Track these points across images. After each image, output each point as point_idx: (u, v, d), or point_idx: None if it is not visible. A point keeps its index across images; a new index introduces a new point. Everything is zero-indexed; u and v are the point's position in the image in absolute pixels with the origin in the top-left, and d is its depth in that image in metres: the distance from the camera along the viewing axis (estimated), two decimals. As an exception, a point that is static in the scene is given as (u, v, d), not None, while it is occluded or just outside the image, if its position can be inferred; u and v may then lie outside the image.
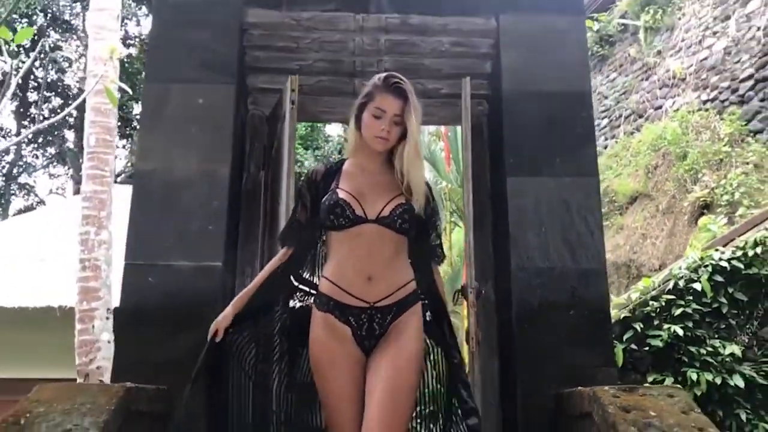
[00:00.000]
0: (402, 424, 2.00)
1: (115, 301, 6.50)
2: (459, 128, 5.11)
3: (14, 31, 3.74)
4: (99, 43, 6.44)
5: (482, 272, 3.39)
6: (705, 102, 9.65)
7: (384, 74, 2.18)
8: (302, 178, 2.26)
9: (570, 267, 3.03)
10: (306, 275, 2.28)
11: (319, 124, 16.08)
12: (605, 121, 12.24)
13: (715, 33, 9.91)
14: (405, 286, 2.13)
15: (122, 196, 7.00)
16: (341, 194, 2.10)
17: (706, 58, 9.92)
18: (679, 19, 10.90)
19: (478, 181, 3.50)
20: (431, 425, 2.29)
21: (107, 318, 5.95)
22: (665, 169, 9.43)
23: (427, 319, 2.25)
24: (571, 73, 3.27)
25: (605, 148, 12.05)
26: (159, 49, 3.26)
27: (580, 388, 2.57)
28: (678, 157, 9.15)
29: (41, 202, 23.33)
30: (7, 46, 4.06)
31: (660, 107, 10.72)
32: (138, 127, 3.97)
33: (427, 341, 2.26)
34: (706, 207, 8.32)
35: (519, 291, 3.03)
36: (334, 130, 18.50)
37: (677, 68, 10.43)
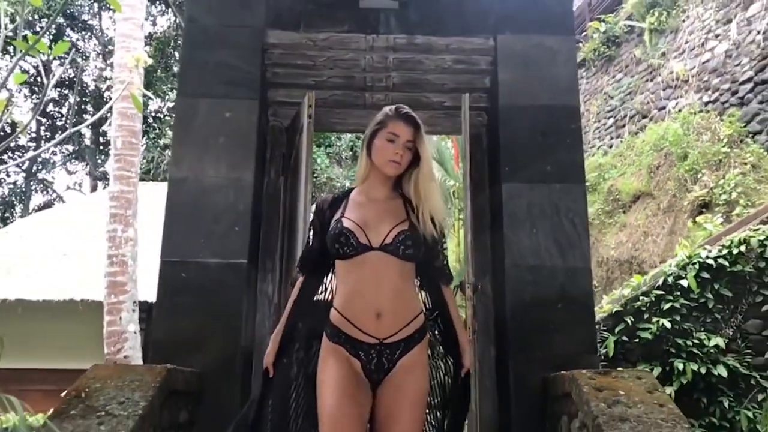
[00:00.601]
0: None
1: (141, 295, 6.91)
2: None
3: (35, 31, 4.10)
4: (124, 52, 6.83)
5: (481, 269, 3.74)
6: (706, 103, 9.91)
7: (395, 105, 2.26)
8: (313, 207, 2.32)
9: (558, 265, 3.37)
10: (321, 302, 2.30)
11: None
12: (611, 120, 12.50)
13: (717, 36, 10.15)
14: (412, 322, 2.15)
15: (142, 192, 7.39)
16: (346, 223, 2.14)
17: (708, 61, 10.16)
18: (683, 21, 11.14)
19: (477, 186, 3.85)
20: None
21: (133, 310, 6.36)
22: (667, 168, 9.70)
23: (437, 334, 2.31)
24: (562, 88, 3.59)
25: (610, 147, 12.32)
26: (189, 67, 3.62)
27: (562, 372, 2.91)
28: (679, 157, 9.42)
29: (59, 197, 23.87)
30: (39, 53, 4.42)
31: (663, 108, 10.98)
32: (171, 137, 4.32)
33: (436, 356, 2.32)
34: (704, 206, 8.60)
35: (512, 286, 3.37)
36: (345, 127, 18.83)
37: (680, 70, 10.68)
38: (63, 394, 2.49)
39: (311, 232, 2.31)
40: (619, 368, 3.14)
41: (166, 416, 2.71)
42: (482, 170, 3.88)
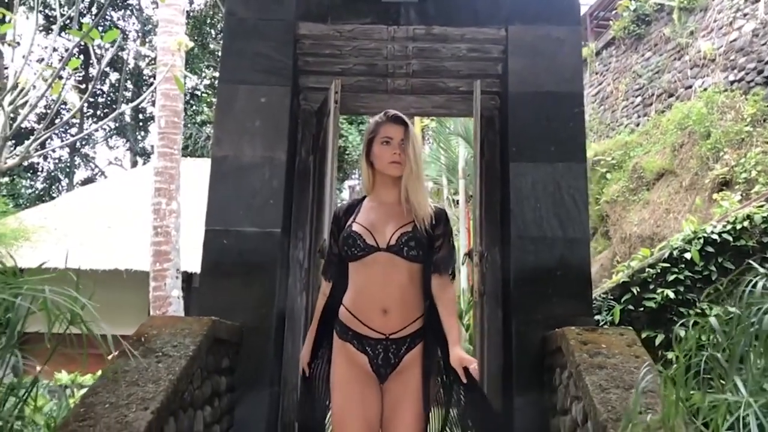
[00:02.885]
0: None
1: (184, 263, 7.45)
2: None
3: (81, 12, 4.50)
4: (167, 36, 7.30)
5: (491, 240, 4.12)
6: (732, 83, 10.01)
7: (382, 112, 2.42)
8: (332, 215, 2.51)
9: (559, 236, 3.73)
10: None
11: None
12: (638, 99, 12.62)
13: (745, 15, 10.20)
14: (418, 319, 2.25)
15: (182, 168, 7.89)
16: (355, 227, 2.28)
17: (735, 40, 10.23)
18: (713, -1, 11.18)
19: (489, 165, 4.21)
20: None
21: (177, 277, 6.90)
22: (690, 147, 9.87)
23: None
24: (567, 75, 3.91)
25: (637, 125, 12.46)
26: (228, 56, 4.04)
27: (556, 329, 3.29)
28: (702, 135, 9.58)
29: (101, 172, 24.79)
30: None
31: (690, 87, 11.08)
32: (213, 120, 4.76)
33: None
34: (725, 184, 8.79)
35: (516, 255, 3.74)
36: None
37: (708, 48, 10.76)
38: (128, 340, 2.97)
39: (331, 239, 2.45)
40: (605, 326, 3.49)
41: (212, 360, 3.18)
42: (494, 150, 4.23)
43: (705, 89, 10.38)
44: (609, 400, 2.49)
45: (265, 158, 3.84)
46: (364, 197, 2.42)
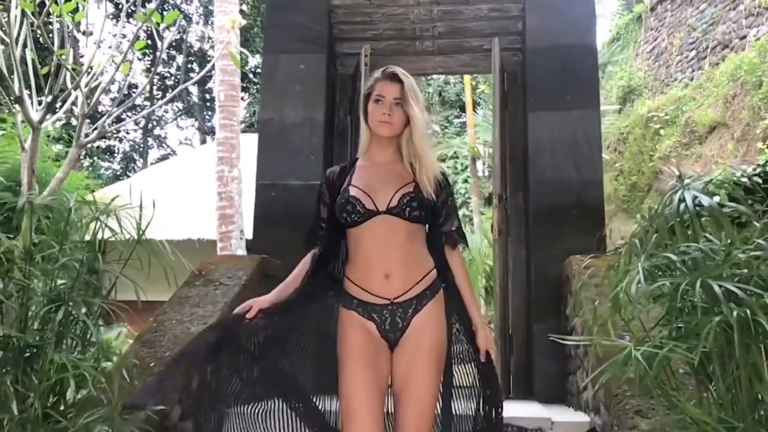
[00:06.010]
0: (431, 417, 2.13)
1: (246, 225, 8.07)
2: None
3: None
4: (222, 15, 7.83)
5: (515, 185, 4.47)
6: (787, 30, 9.80)
7: (383, 68, 2.26)
8: (322, 179, 2.32)
9: (575, 178, 4.05)
10: (336, 274, 2.25)
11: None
12: (693, 53, 12.41)
13: (801, -41, 9.92)
14: (423, 280, 2.15)
15: (245, 142, 8.49)
16: (352, 191, 2.14)
17: (790, -14, 9.97)
18: (769, -56, 10.86)
19: (513, 117, 4.54)
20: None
21: (240, 238, 7.51)
22: (742, 98, 9.76)
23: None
24: (580, 29, 4.19)
25: (691, 80, 12.29)
26: (271, 29, 4.51)
27: (567, 260, 3.64)
28: (754, 85, 9.45)
29: (173, 152, 26.02)
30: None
31: (744, 37, 10.87)
32: (259, 86, 5.26)
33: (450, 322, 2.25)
34: (776, 133, 8.70)
35: (535, 197, 4.09)
36: (435, 73, 19.36)
37: (763, -4, 10.52)
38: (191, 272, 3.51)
39: (320, 205, 2.29)
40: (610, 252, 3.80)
41: (263, 292, 3.67)
42: (517, 103, 4.55)
43: (758, 39, 10.19)
44: (597, 309, 2.85)
45: (305, 119, 4.30)
46: (356, 159, 2.30)
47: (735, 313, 1.65)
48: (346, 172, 2.25)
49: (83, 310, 2.15)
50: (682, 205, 1.82)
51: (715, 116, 10.18)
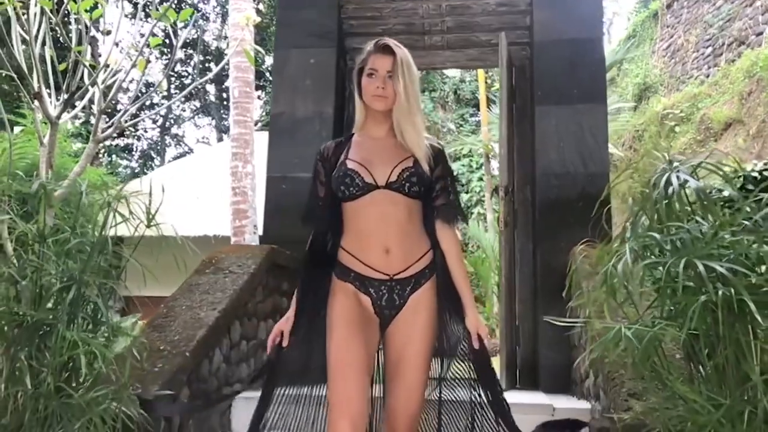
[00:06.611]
0: (421, 400, 2.09)
1: (260, 220, 8.17)
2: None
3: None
4: (237, 13, 7.94)
5: (524, 178, 4.51)
6: (803, 26, 9.72)
7: (375, 40, 2.17)
8: (316, 156, 2.24)
9: (581, 171, 4.08)
10: (330, 249, 2.20)
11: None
12: (709, 50, 12.34)
13: (818, -46, 9.84)
14: (422, 258, 2.11)
15: (260, 139, 8.60)
16: (350, 164, 2.09)
17: (807, -19, 9.90)
18: (786, -60, 10.78)
19: (521, 111, 4.58)
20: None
21: (254, 233, 7.61)
22: (758, 94, 9.70)
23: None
24: (587, 23, 4.22)
25: (707, 77, 12.21)
26: (282, 25, 4.58)
27: (572, 250, 3.68)
28: (770, 82, 9.40)
29: (190, 150, 26.27)
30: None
31: (761, 33, 10.79)
32: (271, 81, 5.35)
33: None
34: (792, 130, 8.65)
35: (542, 190, 4.13)
36: (451, 71, 19.37)
37: (780, -8, 10.44)
38: (201, 261, 3.60)
39: (316, 182, 2.24)
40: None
41: (272, 281, 3.77)
42: (525, 96, 4.59)
43: (775, 35, 10.12)
44: (598, 297, 2.89)
45: (315, 113, 4.37)
46: (352, 135, 2.24)
47: (720, 293, 1.69)
48: (342, 146, 2.20)
49: (95, 292, 2.24)
50: (670, 189, 1.86)
51: (730, 113, 10.13)
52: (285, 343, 2.09)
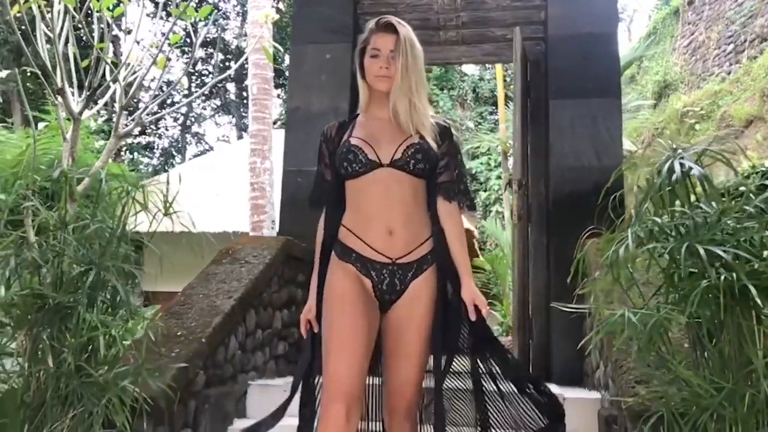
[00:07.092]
0: (419, 385, 2.06)
1: (277, 215, 8.27)
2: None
3: None
4: (255, 10, 8.03)
5: (537, 171, 4.52)
6: (827, 21, 9.59)
7: (377, 18, 2.12)
8: (320, 138, 2.22)
9: (594, 165, 4.09)
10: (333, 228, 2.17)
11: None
12: (730, 46, 12.22)
13: (842, -51, 9.71)
14: (426, 242, 2.06)
15: (279, 137, 8.70)
16: (354, 141, 2.05)
17: (831, -24, 9.77)
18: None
19: (536, 105, 4.60)
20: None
21: (272, 228, 7.69)
22: (779, 91, 9.60)
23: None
24: (602, 18, 4.23)
25: (729, 74, 12.10)
26: (299, 20, 4.65)
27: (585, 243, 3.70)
28: (792, 78, 9.30)
29: (211, 148, 26.52)
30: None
31: (784, 29, 10.67)
32: (287, 77, 5.44)
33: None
34: (813, 127, 8.55)
35: (556, 184, 4.15)
36: (470, 68, 19.37)
37: (802, -12, 10.32)
38: (218, 252, 3.67)
39: (321, 164, 2.23)
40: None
41: (287, 272, 3.84)
42: (540, 91, 4.60)
43: (798, 31, 10.00)
44: (605, 286, 2.92)
45: (331, 107, 4.43)
46: (356, 115, 2.19)
47: (722, 278, 1.72)
48: (346, 126, 2.17)
49: (114, 276, 2.31)
50: (674, 175, 1.89)
51: (751, 110, 10.03)
52: (316, 329, 2.07)
